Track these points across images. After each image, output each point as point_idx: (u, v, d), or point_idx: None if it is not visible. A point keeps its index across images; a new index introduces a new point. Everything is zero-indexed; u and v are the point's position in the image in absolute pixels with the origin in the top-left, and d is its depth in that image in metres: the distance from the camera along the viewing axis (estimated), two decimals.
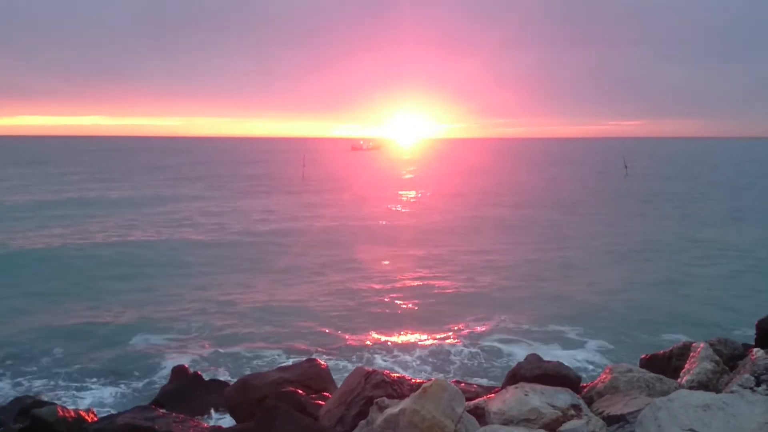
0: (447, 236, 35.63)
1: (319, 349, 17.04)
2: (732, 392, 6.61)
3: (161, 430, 8.57)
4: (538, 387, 7.33)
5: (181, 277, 25.63)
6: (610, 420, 6.87)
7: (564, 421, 6.56)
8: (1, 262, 27.79)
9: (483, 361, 16.37)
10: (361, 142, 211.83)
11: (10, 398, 12.45)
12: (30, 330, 18.50)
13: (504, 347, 17.18)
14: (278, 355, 16.63)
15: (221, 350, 16.92)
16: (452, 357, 16.58)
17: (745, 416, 5.46)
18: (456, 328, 18.86)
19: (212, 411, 11.61)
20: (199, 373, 13.06)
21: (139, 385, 14.78)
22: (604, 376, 8.48)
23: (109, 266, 27.16)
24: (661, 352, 10.14)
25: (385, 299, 22.32)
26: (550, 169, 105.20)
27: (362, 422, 6.69)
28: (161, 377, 14.84)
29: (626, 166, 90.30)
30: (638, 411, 6.37)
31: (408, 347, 17.26)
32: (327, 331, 18.73)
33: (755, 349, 8.20)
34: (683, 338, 16.22)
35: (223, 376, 14.64)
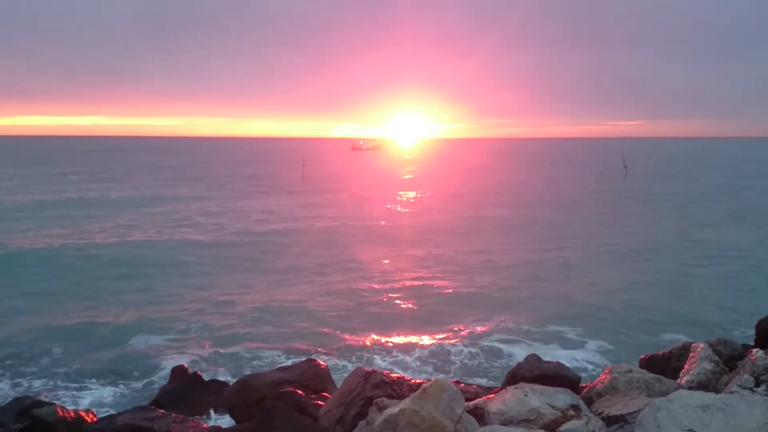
0: (447, 236, 35.64)
1: (319, 349, 17.05)
2: (731, 393, 6.61)
3: (161, 430, 8.57)
4: (538, 387, 7.33)
5: (180, 277, 25.64)
6: (610, 420, 6.87)
7: (563, 422, 6.56)
8: (1, 262, 27.79)
9: (483, 361, 16.38)
10: (361, 143, 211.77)
11: (10, 398, 12.45)
12: (30, 330, 18.50)
13: (504, 347, 17.19)
14: (278, 355, 16.63)
15: (221, 350, 16.93)
16: (452, 357, 16.59)
17: (745, 417, 5.46)
18: (456, 328, 18.86)
19: (212, 411, 11.60)
20: (199, 373, 13.06)
21: (139, 385, 14.78)
22: (604, 376, 8.48)
23: (109, 266, 27.16)
24: (661, 352, 10.14)
25: (385, 299, 22.33)
26: (549, 170, 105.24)
27: (362, 422, 6.69)
28: (161, 377, 14.85)
29: (626, 167, 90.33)
30: (638, 411, 6.37)
31: (407, 347, 17.27)
32: (326, 331, 18.74)
33: (755, 350, 8.20)
34: (683, 338, 16.22)
35: (223, 376, 14.64)
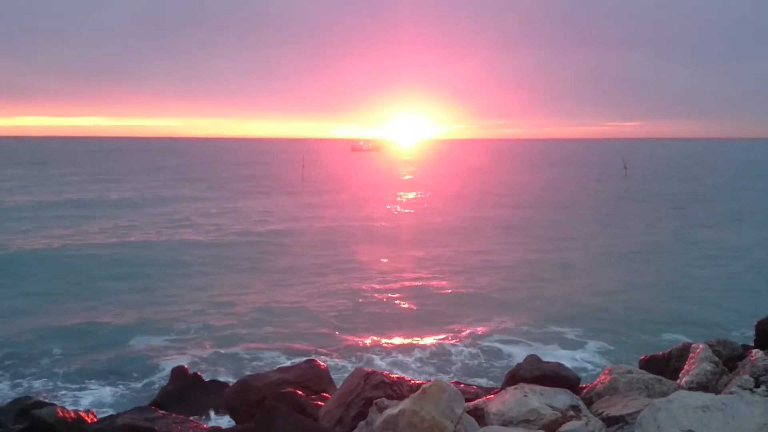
0: (447, 237, 35.65)
1: (319, 349, 17.05)
2: (731, 393, 6.61)
3: (161, 430, 8.57)
4: (538, 388, 7.33)
5: (180, 277, 25.64)
6: (610, 421, 6.88)
7: (563, 422, 6.56)
8: (1, 262, 27.79)
9: (482, 361, 16.38)
10: (361, 143, 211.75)
11: (10, 399, 12.46)
12: (29, 330, 18.50)
13: (503, 348, 17.19)
14: (278, 355, 16.63)
15: (221, 351, 16.93)
16: (452, 358, 16.59)
17: (745, 417, 5.46)
18: (455, 328, 18.86)
19: (211, 412, 11.60)
20: (199, 374, 13.06)
21: (139, 385, 14.79)
22: (604, 377, 8.48)
23: (109, 267, 27.16)
24: (661, 353, 10.13)
25: (385, 300, 22.33)
26: (549, 170, 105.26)
27: (361, 423, 6.69)
28: (161, 378, 14.85)
29: (626, 167, 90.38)
30: (637, 412, 6.37)
31: (407, 348, 17.27)
32: (326, 331, 18.74)
33: (754, 350, 8.20)
34: (682, 339, 16.25)
35: (223, 376, 14.64)
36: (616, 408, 7.19)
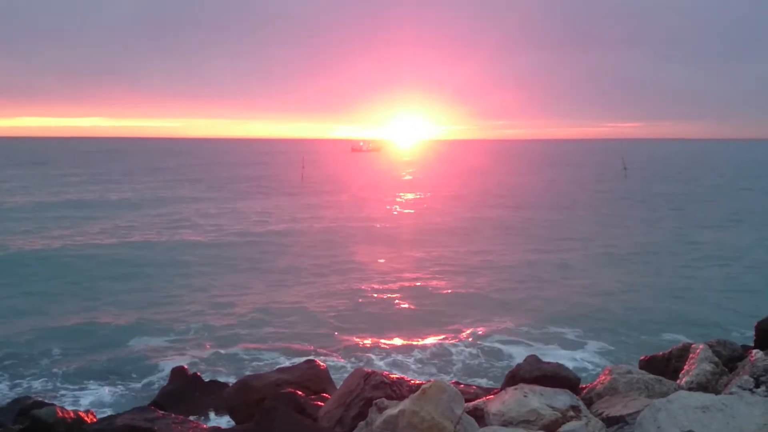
0: (446, 237, 35.65)
1: (319, 350, 17.05)
2: (731, 394, 6.61)
3: (160, 431, 8.57)
4: (538, 388, 7.33)
5: (180, 278, 25.64)
6: (610, 421, 6.87)
7: (563, 423, 6.56)
8: (1, 262, 27.79)
9: (483, 361, 16.38)
10: (362, 144, 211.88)
11: (10, 399, 12.45)
12: (29, 330, 18.50)
13: (504, 348, 17.19)
14: (277, 356, 16.63)
15: (220, 351, 16.92)
16: (452, 358, 16.58)
17: (745, 417, 5.46)
18: (455, 328, 18.86)
19: (211, 412, 11.60)
20: (199, 374, 13.06)
21: (138, 386, 14.78)
22: (604, 377, 8.48)
23: (109, 267, 27.16)
24: (661, 353, 10.13)
25: (385, 300, 22.33)
26: (549, 171, 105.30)
27: (361, 423, 6.69)
28: (160, 378, 14.85)
29: (626, 168, 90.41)
30: (637, 412, 6.37)
31: (407, 348, 17.27)
32: (326, 332, 18.74)
33: (754, 351, 8.20)
34: (682, 339, 16.25)
35: (223, 377, 14.63)
36: (616, 408, 7.19)
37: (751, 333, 10.21)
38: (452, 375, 15.36)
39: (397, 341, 17.87)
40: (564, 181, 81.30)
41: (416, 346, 17.34)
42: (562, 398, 7.05)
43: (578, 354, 16.77)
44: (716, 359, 8.60)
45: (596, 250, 31.88)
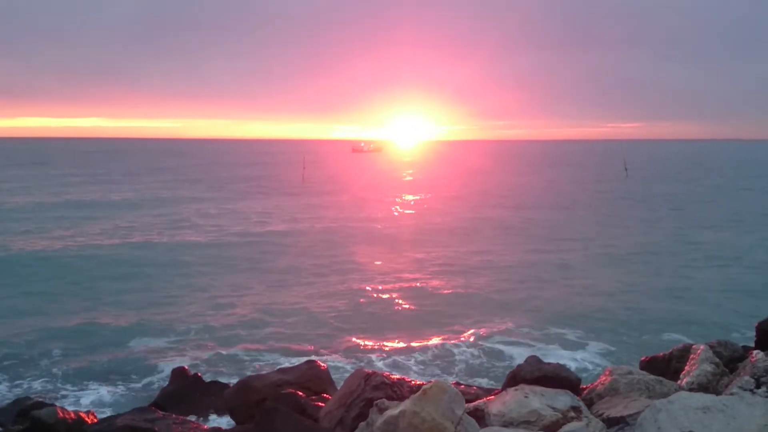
0: (447, 237, 35.65)
1: (319, 350, 17.05)
2: (732, 394, 6.61)
3: (161, 431, 8.57)
4: (538, 389, 7.33)
5: (180, 278, 25.64)
6: (610, 422, 6.87)
7: (564, 423, 6.56)
8: (2, 263, 27.79)
9: (484, 362, 16.37)
10: (362, 144, 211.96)
11: (10, 400, 12.45)
12: (29, 331, 18.50)
13: (504, 348, 17.18)
14: (278, 356, 16.62)
15: (221, 352, 16.92)
16: (453, 358, 16.58)
17: (745, 418, 5.46)
18: (456, 329, 18.85)
19: (212, 413, 11.60)
20: (199, 374, 13.06)
21: (139, 386, 14.78)
22: (604, 378, 8.48)
23: (109, 267, 27.16)
24: (661, 354, 10.13)
25: (385, 300, 22.33)
26: (549, 171, 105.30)
27: (362, 424, 6.69)
28: (161, 378, 14.84)
29: (626, 168, 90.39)
30: (638, 413, 6.36)
31: (408, 349, 17.26)
32: (327, 332, 18.73)
33: (755, 351, 8.20)
34: (683, 340, 16.27)
35: (223, 377, 14.63)
36: (616, 409, 7.19)
37: (752, 333, 10.21)
38: (453, 375, 15.35)
39: (398, 341, 17.87)
40: (564, 182, 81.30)
41: (417, 347, 17.33)
42: (563, 399, 7.05)
43: (579, 354, 16.76)
44: (717, 360, 8.60)
45: (596, 250, 31.88)
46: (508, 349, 17.11)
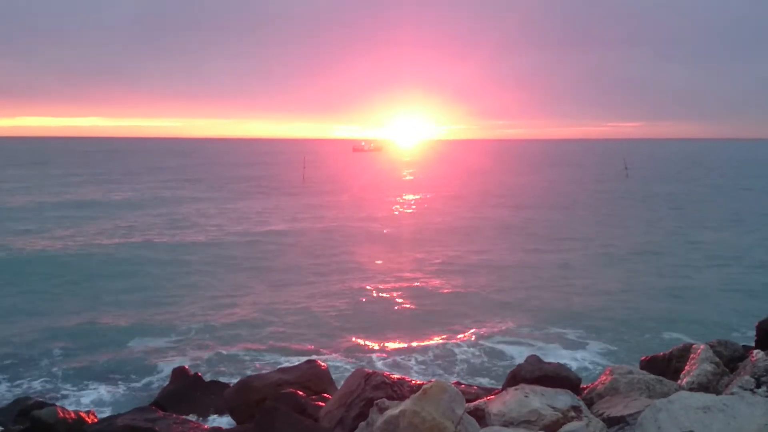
0: (447, 237, 35.65)
1: (319, 350, 17.05)
2: (732, 394, 6.61)
3: (161, 431, 8.57)
4: (539, 388, 7.34)
5: (181, 278, 25.64)
6: (611, 421, 6.87)
7: (564, 423, 6.56)
8: (2, 263, 27.79)
9: (484, 361, 16.37)
10: (363, 144, 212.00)
11: (10, 400, 12.46)
12: (30, 330, 18.50)
13: (505, 348, 17.18)
14: (278, 356, 16.62)
15: (221, 351, 16.92)
16: (453, 358, 16.57)
17: (746, 418, 5.46)
18: (456, 329, 18.85)
19: (212, 413, 11.60)
20: (200, 374, 13.06)
21: (139, 386, 14.78)
22: (605, 377, 8.48)
23: (109, 267, 27.17)
24: (662, 353, 10.14)
25: (385, 300, 22.33)
26: (549, 171, 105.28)
27: (362, 424, 6.69)
28: (161, 378, 14.84)
29: (627, 168, 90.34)
30: (638, 412, 6.36)
31: (408, 348, 17.26)
32: (327, 332, 18.73)
33: (755, 351, 8.20)
34: (683, 339, 16.27)
35: (223, 377, 14.63)
36: (617, 408, 7.19)
37: (752, 333, 10.21)
38: (453, 375, 15.35)
39: (398, 341, 17.87)
40: (564, 181, 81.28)
41: (417, 346, 17.33)
42: (563, 398, 7.05)
43: (579, 354, 16.76)
44: (717, 359, 8.60)
45: (596, 250, 31.88)
46: (508, 349, 17.11)
